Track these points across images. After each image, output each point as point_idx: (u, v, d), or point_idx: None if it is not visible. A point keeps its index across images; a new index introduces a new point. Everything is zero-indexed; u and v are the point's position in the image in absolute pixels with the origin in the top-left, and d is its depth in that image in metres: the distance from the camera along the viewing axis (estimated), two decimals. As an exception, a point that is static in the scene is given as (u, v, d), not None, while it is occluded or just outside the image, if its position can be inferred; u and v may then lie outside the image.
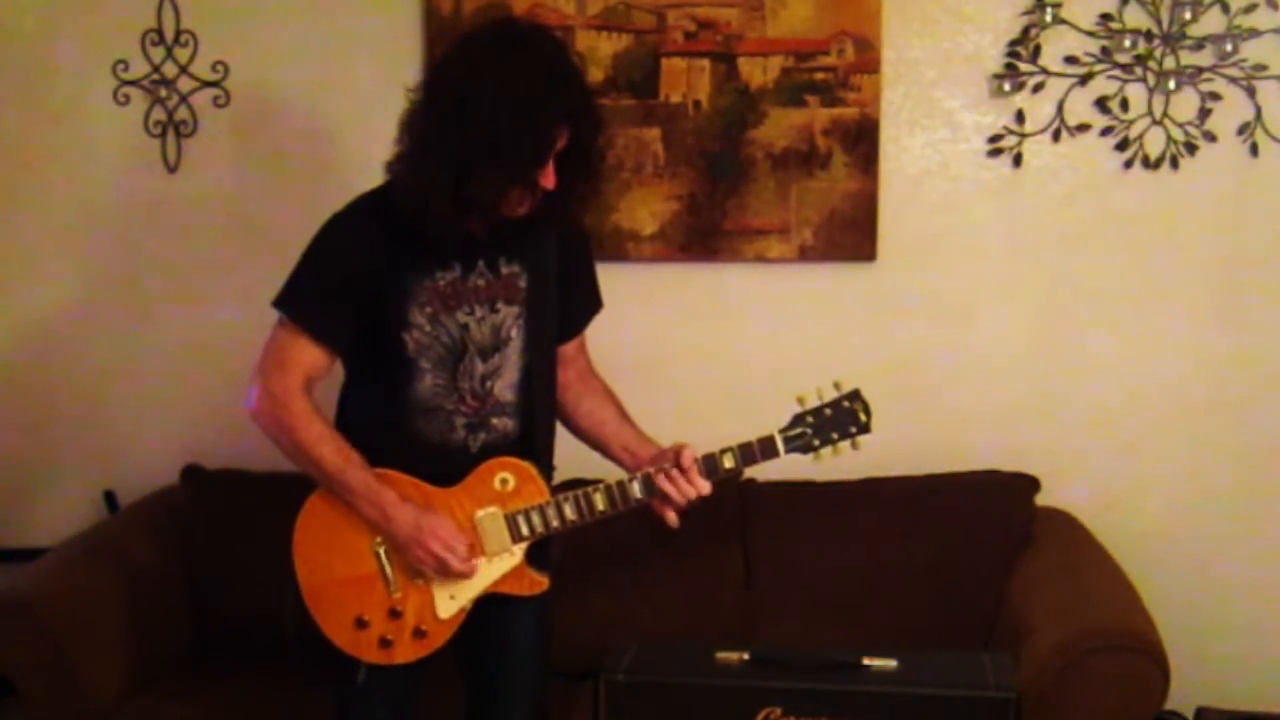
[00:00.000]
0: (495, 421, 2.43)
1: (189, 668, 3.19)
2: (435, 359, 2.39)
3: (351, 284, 2.37)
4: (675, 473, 2.39)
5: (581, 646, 2.77)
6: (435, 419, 2.41)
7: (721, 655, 2.59)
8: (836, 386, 2.43)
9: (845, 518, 3.18)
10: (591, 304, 2.61)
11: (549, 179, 2.30)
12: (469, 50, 2.31)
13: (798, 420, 2.42)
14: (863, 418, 2.43)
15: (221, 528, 3.29)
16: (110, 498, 3.54)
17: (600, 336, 2.64)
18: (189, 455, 3.45)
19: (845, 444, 2.43)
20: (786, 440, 2.41)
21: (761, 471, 2.51)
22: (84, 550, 3.19)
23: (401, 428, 2.41)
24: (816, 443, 2.42)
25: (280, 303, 2.41)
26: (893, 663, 2.54)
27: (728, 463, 2.41)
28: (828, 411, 2.42)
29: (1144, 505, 3.31)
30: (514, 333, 2.43)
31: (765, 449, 2.41)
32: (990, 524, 3.13)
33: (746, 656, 2.58)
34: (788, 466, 2.49)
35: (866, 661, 2.54)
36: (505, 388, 2.44)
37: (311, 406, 2.39)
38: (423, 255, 2.36)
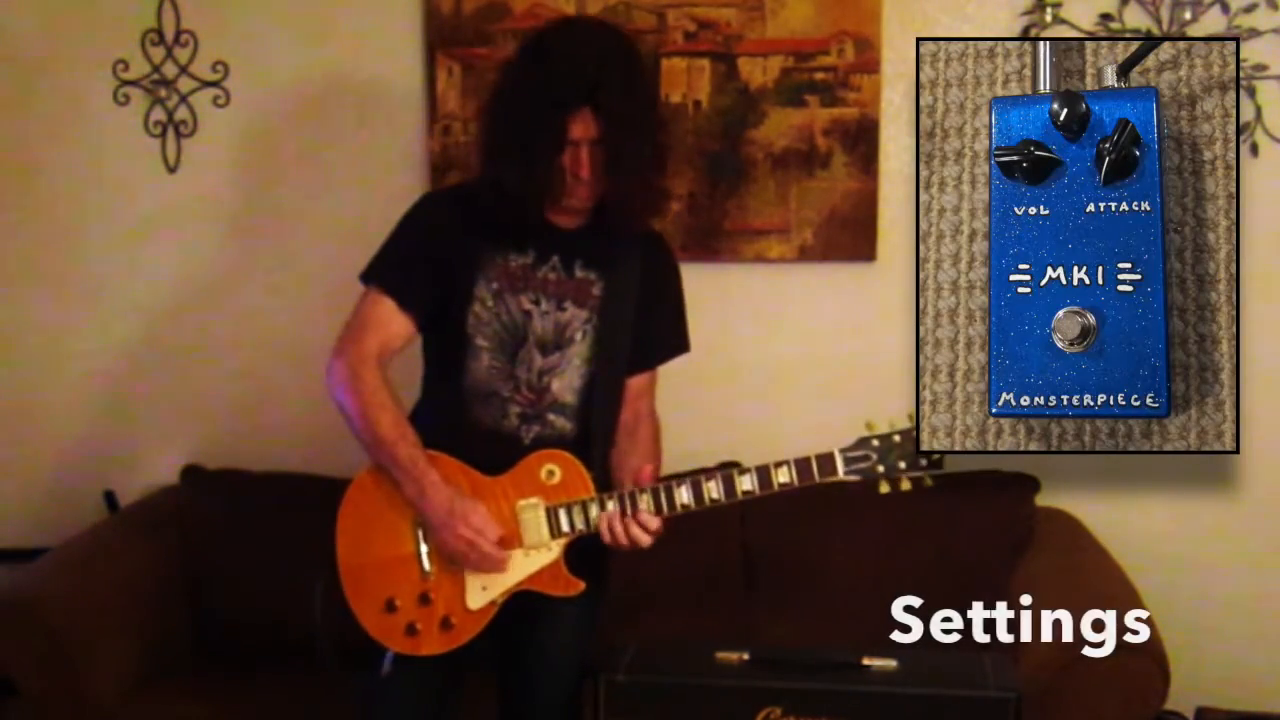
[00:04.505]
0: (552, 418, 2.44)
1: (189, 668, 3.19)
2: (493, 338, 2.41)
3: (432, 253, 2.42)
4: (638, 523, 2.38)
5: (581, 646, 2.77)
6: (490, 404, 2.42)
7: (721, 655, 2.59)
8: (910, 417, 2.37)
9: (845, 518, 3.17)
10: (671, 342, 2.60)
11: (581, 168, 2.33)
12: (521, 42, 2.46)
13: (863, 443, 2.37)
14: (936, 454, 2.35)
15: (221, 528, 3.29)
16: (110, 498, 3.54)
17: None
18: (189, 455, 3.44)
19: (915, 476, 2.35)
20: (847, 460, 2.36)
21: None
22: (84, 550, 3.19)
23: (459, 411, 2.43)
24: (880, 469, 2.36)
25: (365, 273, 2.46)
26: (893, 663, 2.54)
27: (782, 477, 2.37)
28: (896, 439, 2.36)
29: (1144, 505, 3.31)
30: (579, 336, 2.44)
31: (824, 466, 2.36)
32: (990, 524, 3.13)
33: (746, 656, 2.58)
34: (787, 466, 2.48)
35: (866, 661, 2.54)
36: (565, 389, 2.44)
37: (381, 376, 2.41)
38: (501, 235, 2.41)
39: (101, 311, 3.55)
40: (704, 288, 3.35)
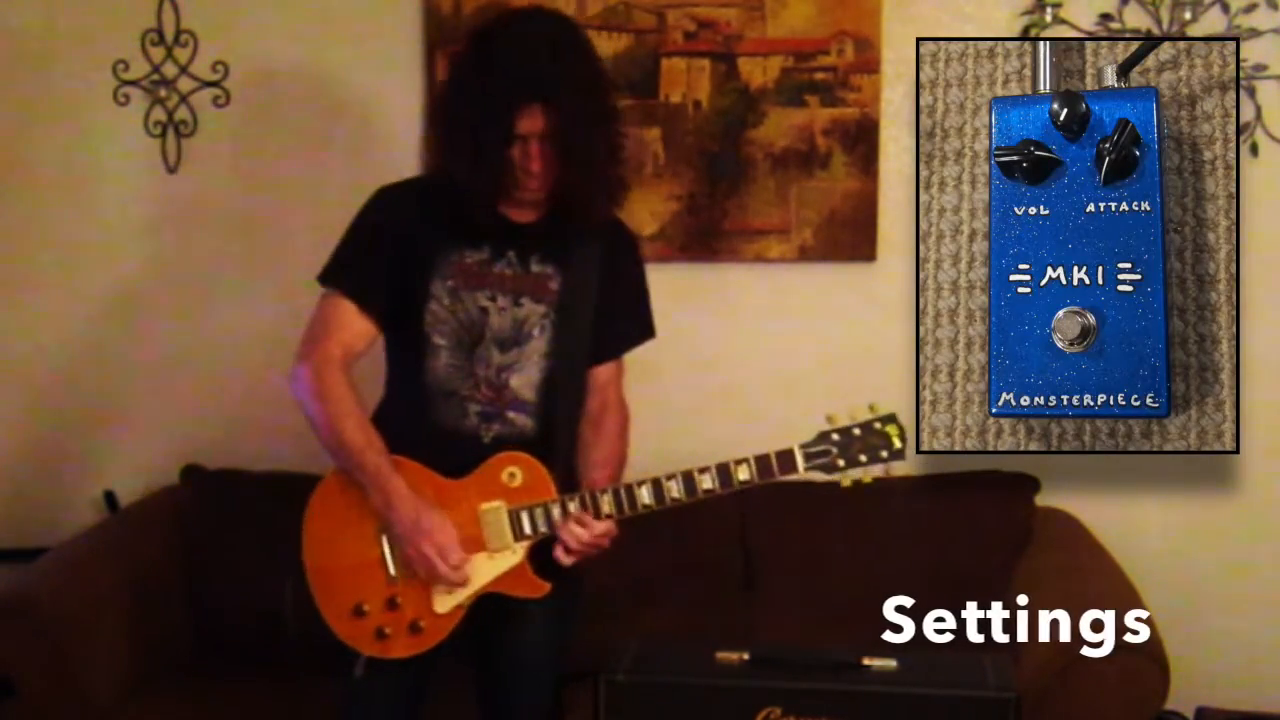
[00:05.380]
0: (512, 416, 2.42)
1: (189, 668, 3.18)
2: (451, 336, 2.39)
3: (389, 251, 2.40)
4: (577, 523, 2.35)
5: (581, 646, 2.77)
6: (450, 404, 2.41)
7: (721, 655, 2.59)
8: (871, 409, 2.37)
9: (845, 517, 3.18)
10: (634, 330, 2.57)
11: (531, 161, 2.32)
12: (470, 33, 2.41)
13: (823, 437, 2.35)
14: (897, 443, 2.34)
15: (221, 528, 3.29)
16: (110, 498, 3.54)
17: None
18: (189, 455, 3.44)
19: (876, 469, 2.35)
20: (807, 455, 2.34)
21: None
22: (84, 550, 3.19)
23: (419, 412, 2.41)
24: (841, 463, 2.34)
25: (323, 275, 2.45)
26: (893, 663, 2.54)
27: (743, 474, 2.36)
28: (856, 431, 2.35)
29: (1144, 505, 3.31)
30: (537, 332, 2.42)
31: (784, 463, 2.34)
32: (990, 524, 3.14)
33: (746, 656, 2.58)
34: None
35: (866, 661, 2.54)
36: (525, 386, 2.42)
37: (345, 381, 2.39)
38: (456, 232, 2.39)
39: (102, 311, 3.55)
40: (704, 288, 3.39)
